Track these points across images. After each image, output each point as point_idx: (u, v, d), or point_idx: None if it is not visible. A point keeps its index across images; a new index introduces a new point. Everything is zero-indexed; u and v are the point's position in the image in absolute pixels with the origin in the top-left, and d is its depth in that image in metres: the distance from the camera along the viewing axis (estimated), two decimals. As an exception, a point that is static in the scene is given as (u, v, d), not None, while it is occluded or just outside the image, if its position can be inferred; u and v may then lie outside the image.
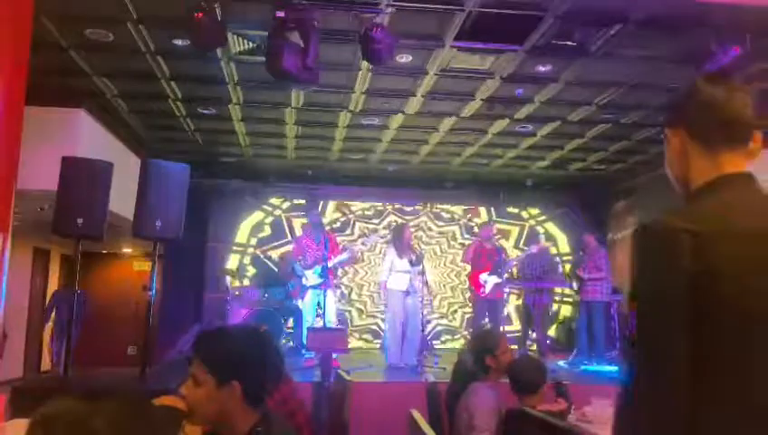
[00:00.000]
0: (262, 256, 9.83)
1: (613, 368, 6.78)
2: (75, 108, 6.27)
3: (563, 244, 10.43)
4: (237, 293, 9.19)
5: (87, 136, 6.36)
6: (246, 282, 9.50)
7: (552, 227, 10.50)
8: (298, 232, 9.74)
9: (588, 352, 7.44)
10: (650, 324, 1.23)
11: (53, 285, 10.67)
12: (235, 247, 9.73)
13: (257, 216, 9.93)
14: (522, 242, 10.27)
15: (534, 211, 10.47)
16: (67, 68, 5.59)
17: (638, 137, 7.57)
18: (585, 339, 7.48)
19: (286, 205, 9.98)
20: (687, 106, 1.38)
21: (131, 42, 5.05)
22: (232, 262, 9.64)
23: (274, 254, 9.78)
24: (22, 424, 2.94)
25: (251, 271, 9.74)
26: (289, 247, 9.36)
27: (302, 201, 9.89)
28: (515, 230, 10.44)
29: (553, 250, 10.21)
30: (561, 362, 7.18)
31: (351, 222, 10.15)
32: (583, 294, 7.57)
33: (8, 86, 3.54)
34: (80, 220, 4.34)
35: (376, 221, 10.20)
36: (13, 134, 3.52)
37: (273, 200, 9.93)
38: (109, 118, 6.89)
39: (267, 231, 9.92)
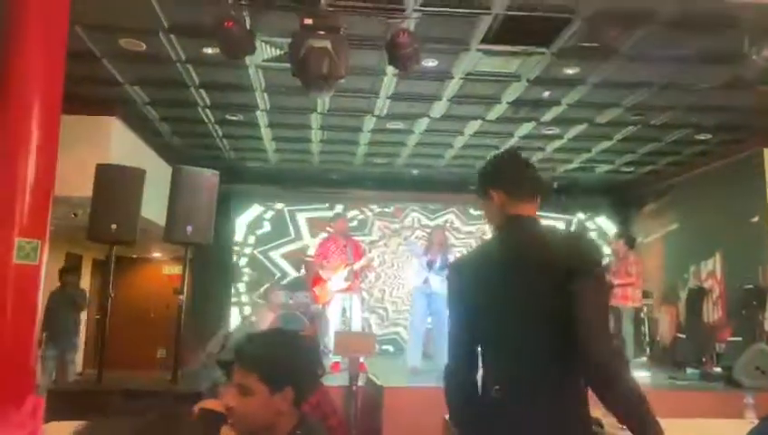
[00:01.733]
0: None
1: (644, 374, 6.66)
2: (108, 116, 6.41)
3: None
4: (264, 297, 9.28)
5: (119, 143, 6.49)
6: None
7: (603, 221, 10.45)
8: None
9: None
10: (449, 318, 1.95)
11: (86, 289, 10.87)
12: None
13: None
14: None
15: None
16: (100, 77, 5.72)
17: (668, 138, 7.45)
18: (615, 344, 7.37)
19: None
20: (504, 173, 2.00)
21: (163, 51, 5.16)
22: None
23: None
24: (59, 427, 2.99)
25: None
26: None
27: (324, 204, 9.95)
28: (562, 225, 10.34)
29: (606, 249, 10.17)
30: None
31: (370, 221, 10.14)
32: (612, 298, 7.45)
33: (45, 96, 3.64)
34: (114, 226, 4.43)
35: (397, 220, 10.16)
36: (50, 146, 3.61)
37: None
38: (140, 125, 7.03)
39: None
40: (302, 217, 9.91)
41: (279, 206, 9.87)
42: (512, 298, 1.80)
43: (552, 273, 1.75)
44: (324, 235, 9.49)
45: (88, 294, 10.85)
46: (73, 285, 8.16)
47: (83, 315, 10.38)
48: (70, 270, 8.47)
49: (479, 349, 1.87)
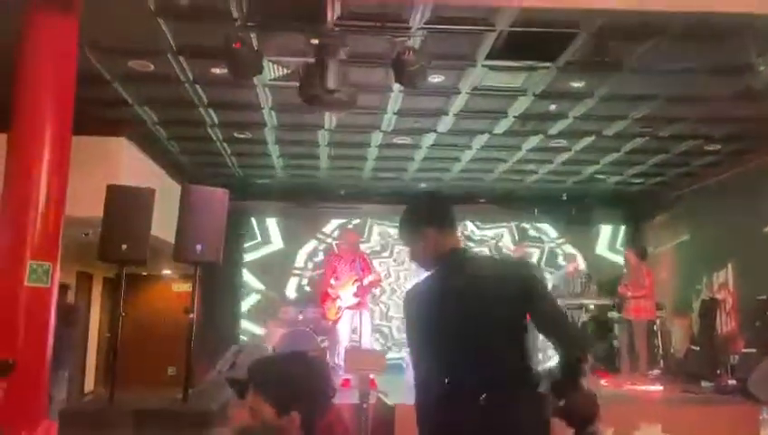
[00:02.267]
0: (318, 279, 10.08)
1: (658, 388, 6.59)
2: (118, 136, 6.47)
3: (580, 262, 10.34)
4: (273, 313, 9.28)
5: (129, 163, 6.54)
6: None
7: (569, 248, 10.47)
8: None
9: (630, 371, 7.25)
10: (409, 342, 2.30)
11: (96, 308, 10.92)
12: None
13: (312, 244, 10.35)
14: (543, 263, 10.28)
15: (553, 234, 10.46)
16: (110, 98, 5.79)
17: (677, 150, 7.42)
18: (628, 358, 7.30)
19: (336, 232, 10.25)
20: (435, 211, 2.32)
21: (171, 72, 5.21)
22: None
23: None
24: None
25: (309, 290, 10.12)
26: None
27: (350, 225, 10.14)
28: (536, 253, 10.45)
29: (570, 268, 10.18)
30: (603, 382, 7.01)
31: (369, 225, 10.24)
32: (625, 311, 7.39)
33: (56, 120, 3.68)
34: (124, 246, 4.45)
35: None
36: (62, 170, 3.64)
37: (326, 229, 10.30)
38: (149, 145, 7.09)
39: (321, 256, 10.30)
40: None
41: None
42: (483, 319, 2.10)
43: (509, 291, 2.12)
44: (314, 241, 10.03)
45: (99, 314, 10.94)
46: (64, 299, 8.14)
47: (94, 335, 10.44)
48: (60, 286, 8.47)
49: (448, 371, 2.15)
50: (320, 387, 1.72)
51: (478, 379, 2.07)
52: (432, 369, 2.17)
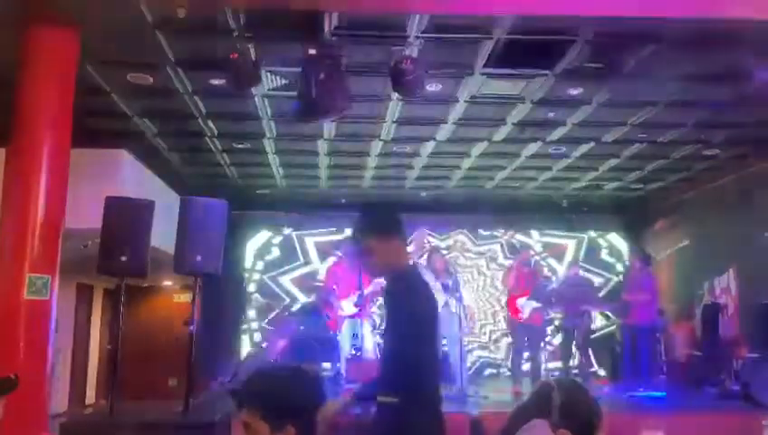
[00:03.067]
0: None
1: (660, 394, 6.55)
2: (117, 148, 6.47)
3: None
4: (275, 324, 9.25)
5: (128, 175, 6.52)
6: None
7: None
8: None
9: (633, 377, 7.21)
10: None
11: (97, 319, 10.90)
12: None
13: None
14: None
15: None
16: (109, 111, 5.81)
17: (676, 155, 7.42)
18: (629, 364, 7.26)
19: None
20: (401, 223, 2.32)
21: (170, 84, 5.23)
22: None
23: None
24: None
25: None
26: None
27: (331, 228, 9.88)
28: (572, 244, 10.01)
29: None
30: (605, 389, 6.97)
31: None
32: (627, 317, 7.36)
33: (55, 134, 3.70)
34: (123, 258, 4.43)
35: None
36: (60, 182, 3.65)
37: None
38: (149, 157, 7.08)
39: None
40: (310, 242, 9.81)
41: (287, 231, 9.57)
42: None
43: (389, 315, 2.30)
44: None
45: (99, 325, 10.91)
46: None
47: (95, 347, 10.41)
48: None
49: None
50: (315, 401, 1.70)
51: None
52: None
